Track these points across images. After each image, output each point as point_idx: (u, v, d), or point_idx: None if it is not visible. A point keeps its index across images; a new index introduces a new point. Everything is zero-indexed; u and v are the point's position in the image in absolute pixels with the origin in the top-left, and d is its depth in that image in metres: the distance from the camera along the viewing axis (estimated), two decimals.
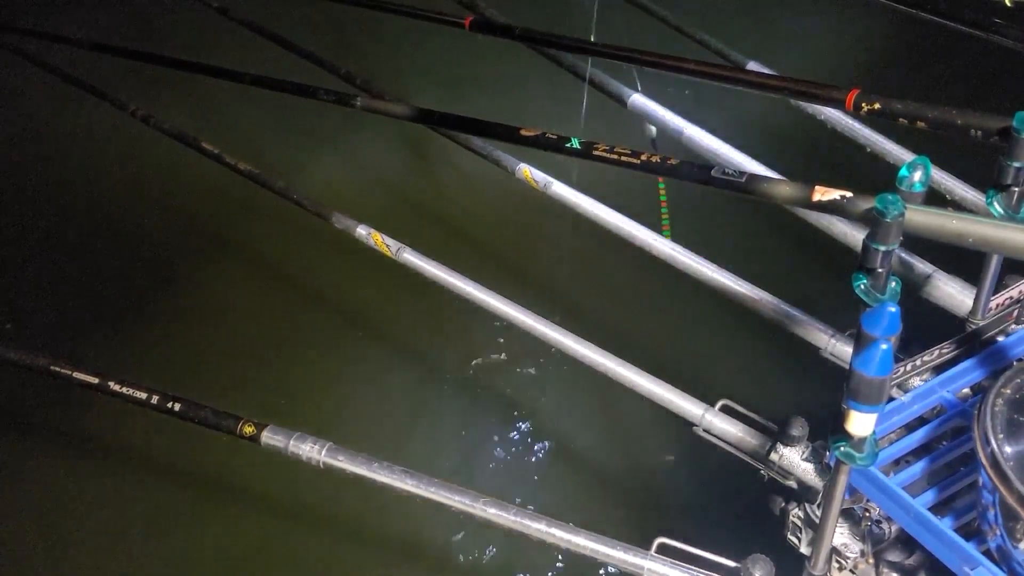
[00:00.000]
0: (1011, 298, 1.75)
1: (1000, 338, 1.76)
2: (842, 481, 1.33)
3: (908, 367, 1.65)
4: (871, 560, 1.59)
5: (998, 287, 1.73)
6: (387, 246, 2.29)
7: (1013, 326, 1.78)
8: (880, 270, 1.19)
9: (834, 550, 1.57)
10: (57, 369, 1.83)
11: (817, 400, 1.63)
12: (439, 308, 2.85)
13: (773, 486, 1.73)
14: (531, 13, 3.15)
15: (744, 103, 2.81)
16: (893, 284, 1.23)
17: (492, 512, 1.55)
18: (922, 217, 1.15)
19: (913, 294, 1.96)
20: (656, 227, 2.26)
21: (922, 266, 1.97)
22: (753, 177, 1.42)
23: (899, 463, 1.60)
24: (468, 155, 2.59)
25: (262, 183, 2.60)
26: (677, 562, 1.50)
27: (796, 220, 2.08)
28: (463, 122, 2.04)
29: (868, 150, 2.27)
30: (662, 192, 2.65)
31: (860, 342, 1.14)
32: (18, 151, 4.32)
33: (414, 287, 2.38)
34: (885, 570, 1.60)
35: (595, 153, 1.61)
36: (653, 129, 2.44)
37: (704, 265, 2.09)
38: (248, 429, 1.69)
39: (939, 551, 1.42)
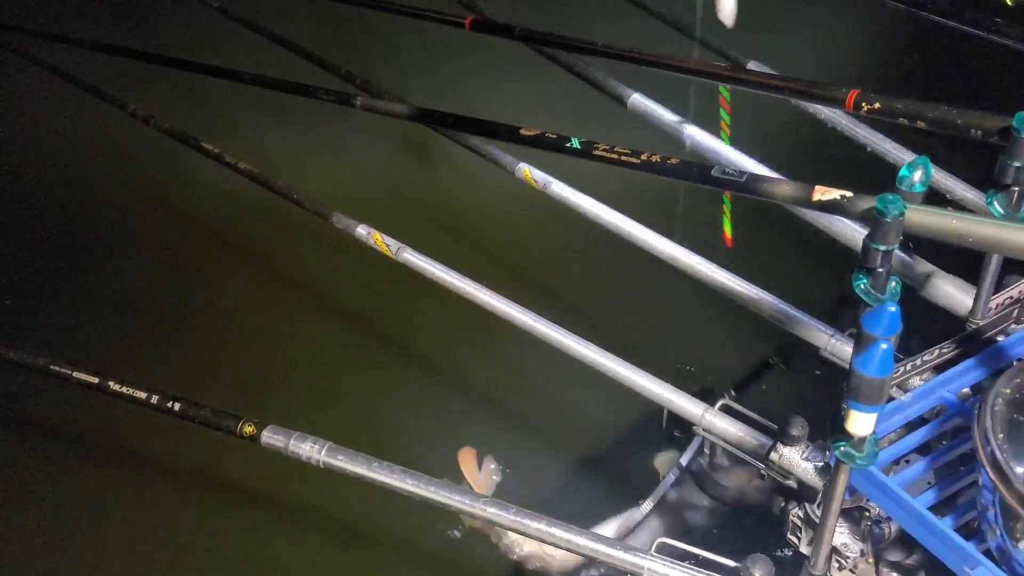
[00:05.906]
0: (1011, 298, 1.74)
1: (1000, 338, 1.76)
2: (842, 481, 1.33)
3: (908, 367, 1.65)
4: (871, 560, 1.59)
5: (998, 287, 1.72)
6: (387, 246, 2.29)
7: (1013, 326, 1.78)
8: (880, 270, 1.19)
9: (834, 550, 1.57)
10: (57, 369, 1.83)
11: (816, 399, 1.63)
12: (439, 308, 2.85)
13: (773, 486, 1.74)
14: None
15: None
16: (893, 284, 1.22)
17: (492, 512, 1.54)
18: (922, 217, 1.15)
19: (913, 294, 1.96)
20: (655, 227, 2.25)
21: (922, 266, 1.97)
22: (753, 177, 1.42)
23: (899, 463, 1.60)
24: (468, 155, 2.59)
25: (262, 183, 2.60)
26: (677, 562, 1.50)
27: (796, 220, 2.08)
28: (463, 122, 2.03)
29: (868, 150, 2.26)
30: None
31: (860, 342, 1.13)
32: (18, 151, 4.32)
33: (414, 287, 2.38)
34: (885, 570, 1.60)
35: (595, 153, 1.61)
36: None
37: (704, 265, 2.09)
38: (248, 429, 1.68)
39: (939, 551, 1.42)
